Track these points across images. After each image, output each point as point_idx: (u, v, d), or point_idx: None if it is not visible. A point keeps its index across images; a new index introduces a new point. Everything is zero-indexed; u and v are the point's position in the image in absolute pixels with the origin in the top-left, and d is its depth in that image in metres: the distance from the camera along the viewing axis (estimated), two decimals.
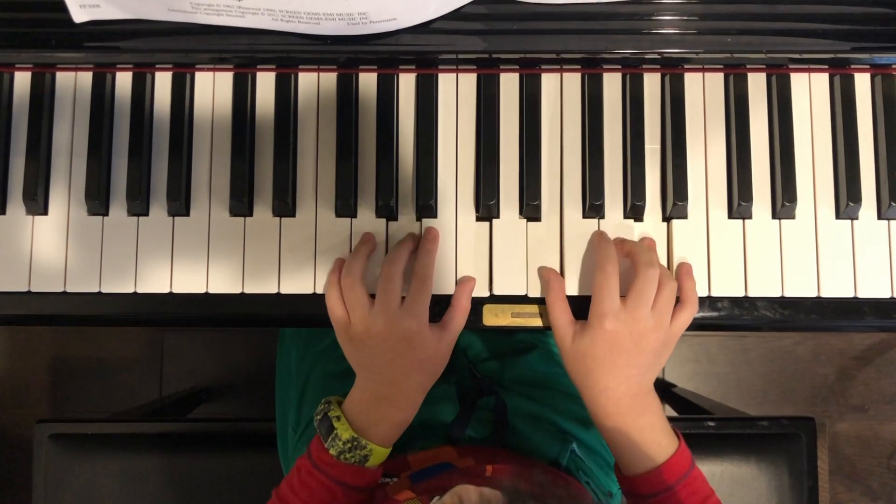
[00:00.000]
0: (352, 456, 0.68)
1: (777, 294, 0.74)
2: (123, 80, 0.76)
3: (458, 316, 0.72)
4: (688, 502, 0.68)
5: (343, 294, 0.70)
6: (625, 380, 0.68)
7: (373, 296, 0.70)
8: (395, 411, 0.70)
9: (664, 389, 1.70)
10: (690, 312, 0.70)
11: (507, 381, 0.96)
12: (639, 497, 0.69)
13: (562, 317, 0.70)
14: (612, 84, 0.76)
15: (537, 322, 0.74)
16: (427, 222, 0.74)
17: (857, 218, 0.74)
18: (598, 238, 0.73)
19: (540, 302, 0.73)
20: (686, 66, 0.76)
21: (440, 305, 0.72)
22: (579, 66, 0.76)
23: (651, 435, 0.69)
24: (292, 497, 0.70)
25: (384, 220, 0.74)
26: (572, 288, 0.73)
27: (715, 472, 1.05)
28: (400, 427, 0.71)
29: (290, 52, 0.72)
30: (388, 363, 0.69)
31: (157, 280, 0.74)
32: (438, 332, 0.70)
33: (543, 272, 0.73)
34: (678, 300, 0.70)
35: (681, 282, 0.71)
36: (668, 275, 0.70)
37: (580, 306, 0.71)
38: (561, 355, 0.71)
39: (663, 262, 0.74)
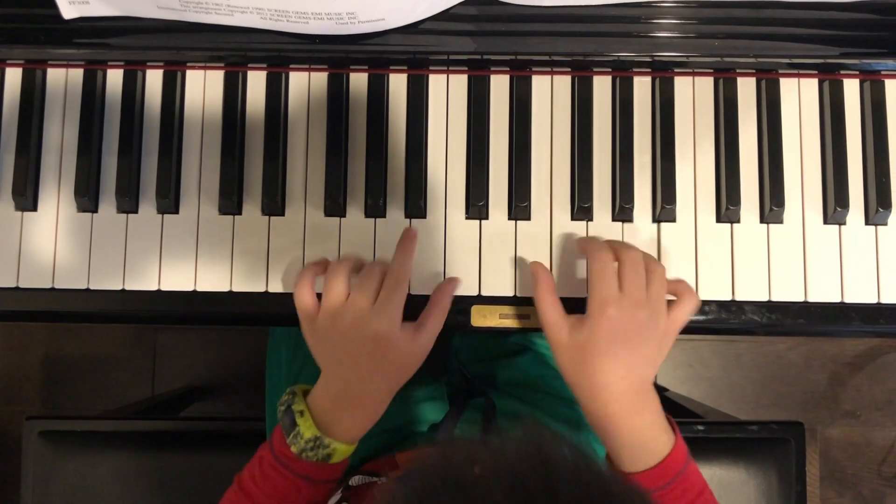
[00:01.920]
0: (314, 454, 0.67)
1: (764, 298, 0.74)
2: (114, 78, 0.76)
3: (436, 314, 0.70)
4: (684, 497, 0.67)
5: (327, 277, 0.69)
6: (627, 372, 0.66)
7: None
8: (359, 410, 0.68)
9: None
10: (690, 303, 0.69)
11: (498, 383, 0.96)
12: None
13: (554, 310, 0.68)
14: (602, 87, 0.76)
15: (525, 323, 0.74)
16: (416, 223, 0.75)
17: (844, 223, 0.75)
18: (585, 238, 0.73)
19: (528, 303, 0.73)
20: (676, 71, 0.76)
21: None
22: (569, 69, 0.76)
23: (651, 433, 0.67)
24: (254, 488, 0.68)
25: (373, 220, 0.75)
26: (559, 290, 0.73)
27: (704, 475, 1.05)
28: (364, 425, 0.69)
29: (280, 51, 0.72)
30: (354, 364, 0.67)
31: (145, 277, 0.74)
32: (412, 332, 0.68)
33: (533, 267, 0.72)
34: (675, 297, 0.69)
35: (671, 282, 0.71)
36: (655, 260, 0.69)
37: (566, 307, 0.70)
38: (555, 351, 0.69)
39: None
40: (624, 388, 0.66)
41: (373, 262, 0.70)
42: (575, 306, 0.69)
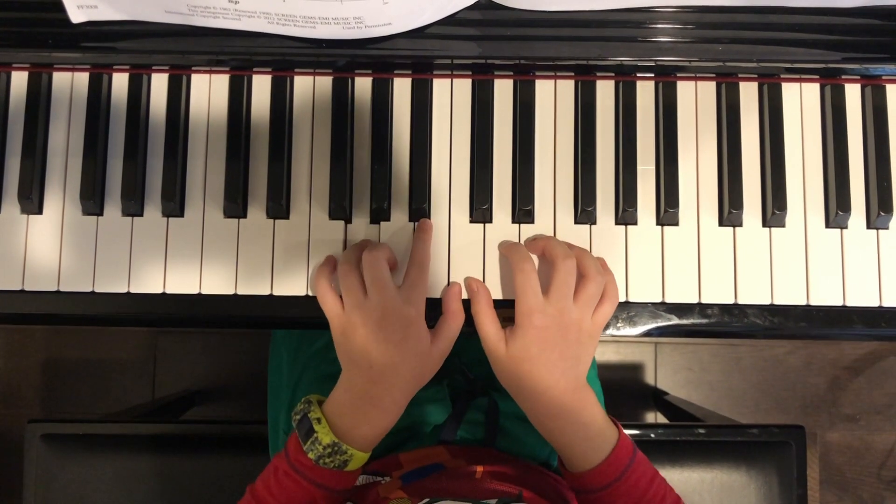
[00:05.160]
0: (331, 461, 0.67)
1: (767, 302, 0.74)
2: (120, 81, 0.76)
3: (450, 321, 0.71)
4: (639, 483, 0.68)
5: (340, 280, 0.70)
6: (562, 375, 0.68)
7: None
8: (378, 413, 0.69)
9: (656, 397, 1.71)
10: (611, 305, 0.71)
11: (499, 385, 0.96)
12: (590, 492, 0.69)
13: (492, 326, 0.70)
14: (605, 91, 0.76)
15: None
16: None
17: (846, 227, 0.75)
18: (508, 243, 0.73)
19: None
20: (679, 75, 0.76)
21: (434, 311, 0.72)
22: (573, 73, 0.76)
23: (594, 428, 0.69)
24: (269, 498, 0.68)
25: (377, 224, 0.75)
26: None
27: (705, 479, 1.06)
28: (381, 432, 0.70)
29: (285, 55, 0.73)
30: (379, 354, 0.68)
31: (150, 280, 0.74)
32: (433, 335, 0.70)
33: (468, 282, 0.73)
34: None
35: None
36: (599, 269, 0.70)
37: None
38: (494, 365, 0.70)
39: (655, 268, 0.75)
40: (561, 389, 0.68)
41: (365, 251, 0.70)
42: None
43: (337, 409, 0.69)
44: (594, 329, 0.70)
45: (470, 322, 0.72)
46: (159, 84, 0.76)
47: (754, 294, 0.74)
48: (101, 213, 0.75)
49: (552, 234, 0.75)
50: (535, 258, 0.72)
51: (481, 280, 0.73)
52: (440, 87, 0.76)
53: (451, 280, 0.74)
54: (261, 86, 0.76)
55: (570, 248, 0.70)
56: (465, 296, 0.73)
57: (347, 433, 0.68)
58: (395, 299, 0.68)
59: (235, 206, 0.74)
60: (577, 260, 0.69)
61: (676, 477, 1.05)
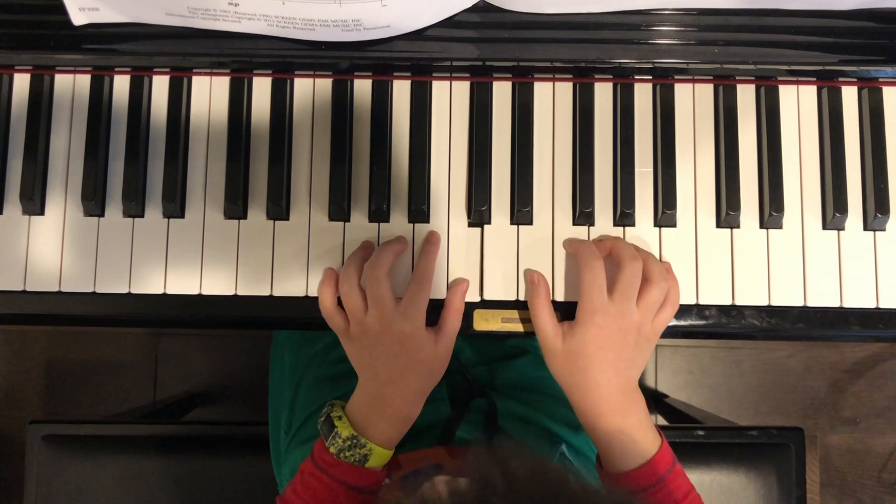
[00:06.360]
0: (351, 454, 0.69)
1: (764, 303, 0.75)
2: (121, 84, 0.76)
3: (451, 317, 0.72)
4: (671, 497, 0.69)
5: (342, 297, 0.72)
6: (615, 375, 0.69)
7: None
8: (392, 411, 0.71)
9: (656, 399, 1.71)
10: (671, 310, 0.71)
11: (498, 385, 0.96)
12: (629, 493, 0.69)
13: (549, 319, 0.71)
14: (603, 93, 0.77)
15: (528, 327, 0.74)
16: (419, 227, 0.75)
17: (843, 229, 0.75)
18: (576, 242, 0.74)
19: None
20: (676, 77, 0.77)
21: (435, 311, 0.72)
22: (571, 76, 0.77)
23: (638, 432, 0.69)
24: (295, 499, 0.71)
25: (376, 225, 0.75)
26: (560, 294, 0.74)
27: (704, 481, 1.06)
28: (400, 427, 0.72)
29: (285, 57, 0.73)
30: (384, 363, 0.70)
31: (151, 281, 0.75)
32: (434, 334, 0.71)
33: (530, 275, 0.74)
34: None
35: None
36: (664, 275, 0.70)
37: (567, 312, 0.71)
38: (547, 358, 0.71)
39: None
40: (613, 388, 0.69)
41: (367, 266, 0.71)
42: (573, 310, 0.70)
43: (356, 407, 0.72)
44: (653, 333, 0.71)
45: (469, 321, 0.73)
46: (160, 86, 0.77)
47: (752, 295, 0.74)
48: (102, 215, 0.75)
49: (550, 236, 0.75)
50: None
51: (543, 274, 0.74)
52: (439, 89, 0.77)
53: (449, 280, 0.74)
54: (261, 88, 0.77)
55: (636, 251, 0.71)
56: (467, 298, 0.74)
57: (366, 429, 0.71)
58: (393, 316, 0.69)
59: (236, 207, 0.74)
60: (643, 263, 0.70)
61: None
